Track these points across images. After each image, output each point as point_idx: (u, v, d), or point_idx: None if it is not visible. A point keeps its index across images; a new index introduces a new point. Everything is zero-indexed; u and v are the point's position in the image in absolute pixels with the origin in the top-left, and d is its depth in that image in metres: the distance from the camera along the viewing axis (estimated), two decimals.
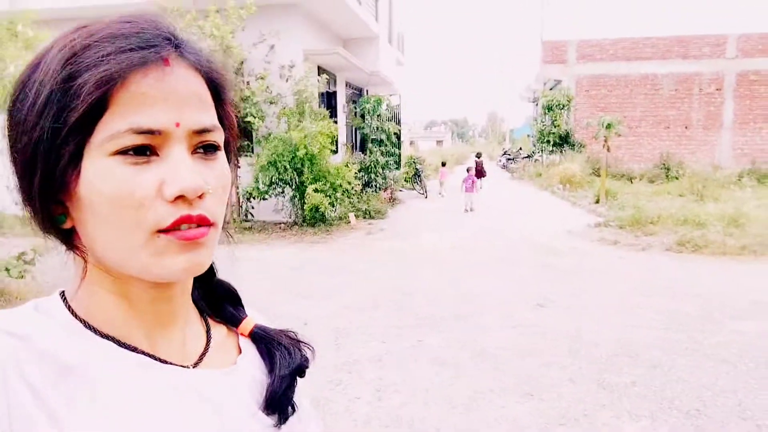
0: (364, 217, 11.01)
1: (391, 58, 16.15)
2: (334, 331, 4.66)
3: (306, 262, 7.44)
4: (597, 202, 12.64)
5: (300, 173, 9.35)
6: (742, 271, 6.75)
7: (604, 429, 3.09)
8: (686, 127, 21.12)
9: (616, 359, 4.05)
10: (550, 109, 19.91)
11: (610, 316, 5.05)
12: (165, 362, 0.53)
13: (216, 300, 0.66)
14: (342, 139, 13.91)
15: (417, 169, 16.21)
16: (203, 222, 0.49)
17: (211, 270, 0.66)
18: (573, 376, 3.76)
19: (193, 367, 0.56)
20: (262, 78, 9.66)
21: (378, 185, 12.58)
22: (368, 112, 12.91)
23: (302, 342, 0.67)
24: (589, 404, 3.36)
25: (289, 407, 0.61)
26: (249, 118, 9.11)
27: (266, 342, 0.64)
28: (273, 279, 6.50)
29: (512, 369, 3.89)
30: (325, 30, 12.30)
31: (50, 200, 0.49)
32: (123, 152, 0.46)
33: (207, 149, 0.51)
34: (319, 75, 11.86)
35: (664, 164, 20.24)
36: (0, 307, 4.55)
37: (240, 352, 0.63)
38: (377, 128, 13.00)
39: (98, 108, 0.45)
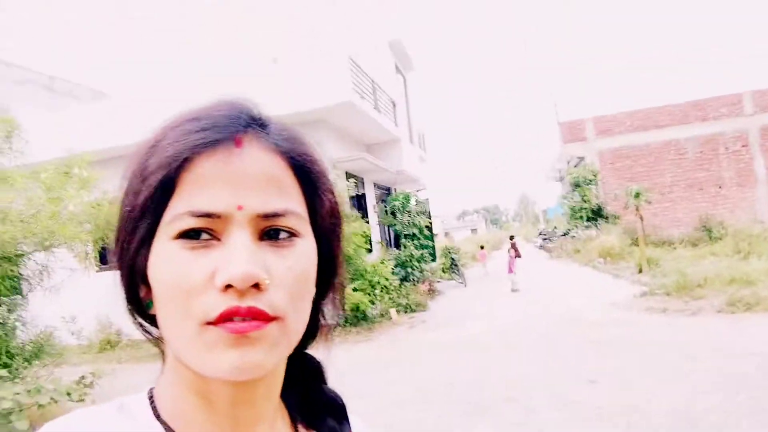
0: (405, 312, 11.06)
1: (414, 156, 16.88)
2: (384, 426, 4.66)
3: (352, 363, 7.48)
4: (640, 271, 12.43)
5: None
6: None
7: None
8: (720, 187, 20.91)
9: (675, 429, 3.92)
10: (577, 185, 20.14)
11: (663, 384, 4.91)
12: None
13: (317, 410, 0.60)
14: (375, 237, 14.30)
15: (453, 258, 16.34)
16: (256, 315, 0.44)
17: (316, 374, 0.62)
18: None
19: None
20: None
21: (416, 278, 12.71)
22: (398, 209, 13.34)
23: (339, 404, 0.62)
24: None
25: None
26: None
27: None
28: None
29: None
30: (350, 137, 13.10)
31: (133, 283, 0.49)
32: (184, 236, 0.45)
33: (279, 235, 0.47)
34: (347, 179, 12.50)
35: (704, 226, 19.88)
36: None
37: None
38: (408, 223, 13.36)
39: (165, 191, 0.45)
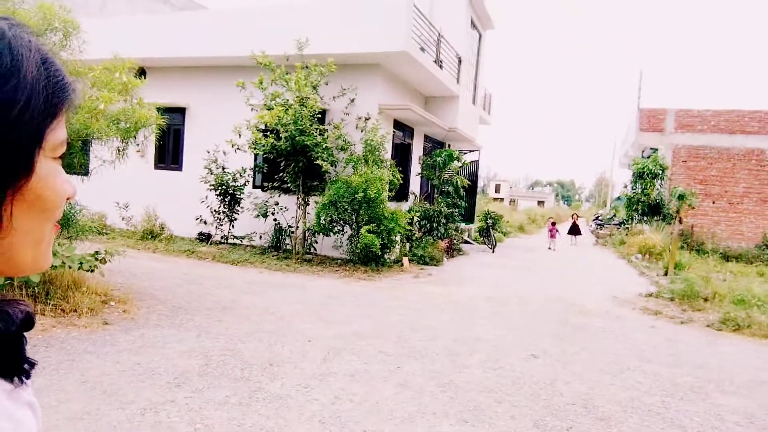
0: (419, 263, 11.56)
1: (473, 116, 16.85)
2: (329, 349, 5.28)
3: (343, 294, 8.13)
4: (665, 274, 12.23)
5: (358, 214, 10.20)
6: None
7: None
8: None
9: (570, 408, 4.28)
10: (641, 176, 19.43)
11: (593, 372, 5.21)
12: None
13: None
14: (416, 188, 14.70)
15: (488, 223, 16.52)
16: None
17: None
18: (517, 414, 4.07)
19: None
20: (336, 127, 10.75)
21: (440, 234, 13.10)
22: (439, 165, 13.60)
23: (14, 300, 0.60)
24: None
25: (26, 365, 0.58)
26: (319, 161, 10.15)
27: None
28: (306, 304, 7.25)
29: (465, 400, 4.27)
30: (406, 86, 13.32)
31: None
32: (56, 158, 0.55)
33: None
34: (395, 128, 12.85)
35: (766, 244, 18.85)
36: (73, 296, 5.68)
37: None
38: (446, 180, 13.63)
39: (53, 115, 0.52)
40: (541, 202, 78.78)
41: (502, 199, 71.83)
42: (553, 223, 19.84)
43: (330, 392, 4.20)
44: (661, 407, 4.45)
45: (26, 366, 0.58)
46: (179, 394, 3.93)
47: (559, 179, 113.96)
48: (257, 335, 5.57)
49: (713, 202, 20.25)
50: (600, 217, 28.82)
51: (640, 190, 19.76)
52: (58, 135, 0.52)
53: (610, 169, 47.67)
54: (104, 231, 12.15)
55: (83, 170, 13.26)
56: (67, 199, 0.56)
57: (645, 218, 19.72)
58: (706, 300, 8.98)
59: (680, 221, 12.56)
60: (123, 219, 12.04)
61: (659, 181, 20.19)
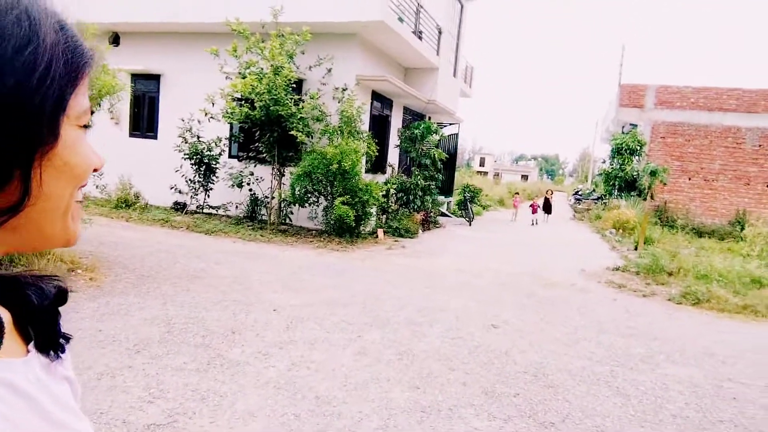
0: (393, 235, 11.65)
1: (453, 89, 16.79)
2: (292, 318, 5.36)
3: (315, 264, 8.21)
4: (635, 248, 12.48)
5: (332, 186, 10.22)
6: (725, 327, 6.71)
7: (459, 422, 3.55)
8: None
9: (520, 375, 4.43)
10: (619, 152, 19.61)
11: (549, 343, 5.37)
12: None
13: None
14: (394, 160, 14.70)
15: (466, 197, 16.64)
16: None
17: None
18: (468, 381, 4.21)
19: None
20: (312, 97, 10.66)
21: (416, 207, 13.18)
22: (417, 138, 13.59)
23: (47, 275, 0.61)
24: (461, 402, 3.82)
25: (61, 339, 0.59)
26: (294, 132, 10.09)
27: (15, 290, 0.57)
28: (277, 274, 7.31)
29: (420, 368, 4.39)
30: (384, 57, 13.19)
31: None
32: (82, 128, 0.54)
33: None
34: (374, 99, 12.77)
35: (738, 221, 19.25)
36: (37, 263, 5.66)
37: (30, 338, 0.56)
38: (423, 153, 13.64)
39: (76, 81, 0.51)
40: (525, 176, 79.21)
41: (486, 173, 72.04)
42: (516, 194, 22.58)
43: (288, 359, 4.30)
44: (609, 376, 4.62)
45: (61, 341, 0.59)
46: (137, 360, 3.99)
47: (544, 154, 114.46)
48: (223, 304, 5.64)
49: (689, 179, 20.54)
50: (580, 192, 29.11)
51: (618, 166, 19.97)
52: (81, 102, 0.52)
53: (592, 145, 47.95)
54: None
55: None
56: (94, 170, 0.55)
57: (622, 194, 19.97)
58: (670, 274, 9.22)
59: (651, 197, 12.77)
60: (97, 187, 11.91)
61: (637, 157, 20.40)
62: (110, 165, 12.16)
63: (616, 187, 20.06)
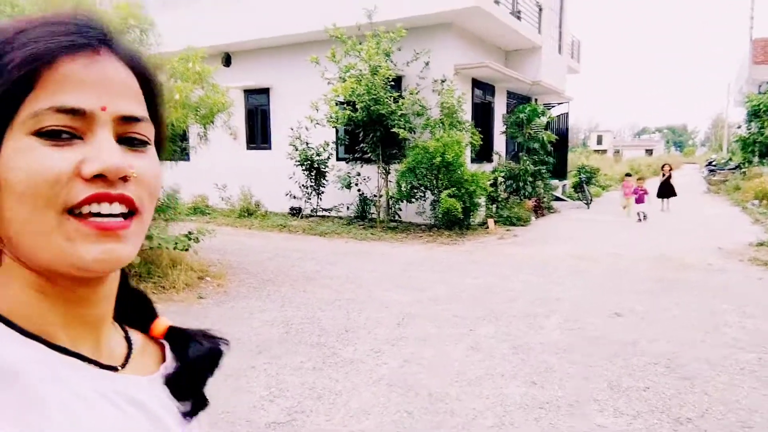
0: (504, 224, 11.33)
1: (559, 66, 15.97)
2: (403, 315, 5.39)
3: (425, 259, 8.20)
4: None
5: (437, 179, 10.16)
6: None
7: (581, 419, 3.34)
8: None
9: (650, 367, 4.09)
10: (755, 114, 17.50)
11: (683, 330, 4.90)
12: (96, 365, 0.50)
13: (129, 306, 0.62)
14: (500, 147, 14.31)
15: (581, 179, 15.77)
16: (126, 202, 0.47)
17: (125, 274, 0.60)
18: (590, 375, 3.96)
19: (120, 371, 0.53)
20: (411, 93, 10.67)
21: (527, 193, 12.71)
22: (523, 122, 13.11)
23: (217, 337, 0.64)
24: (583, 397, 3.59)
25: (200, 400, 0.60)
26: (396, 129, 10.17)
27: (181, 339, 0.62)
28: (388, 271, 7.40)
29: (537, 362, 4.21)
30: (482, 43, 12.86)
31: None
32: (44, 134, 0.44)
33: (135, 141, 0.49)
34: (475, 87, 12.52)
35: None
36: (171, 274, 6.22)
37: (164, 359, 0.60)
38: (530, 137, 13.13)
39: (23, 87, 0.44)
40: (649, 151, 73.50)
41: (605, 151, 67.90)
42: (628, 175, 14.92)
43: (400, 356, 4.32)
44: (756, 365, 4.12)
45: (198, 401, 0.61)
46: (259, 361, 4.23)
47: (670, 124, 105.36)
48: (337, 303, 5.81)
49: None
50: (714, 162, 26.45)
51: (756, 130, 17.83)
52: (38, 105, 0.44)
53: (725, 109, 43.35)
54: (206, 211, 13.08)
55: (185, 156, 14.24)
56: (99, 175, 0.45)
57: (763, 160, 17.81)
58: None
59: None
60: (222, 199, 12.85)
61: None
62: (232, 177, 13.11)
63: (756, 153, 17.95)
